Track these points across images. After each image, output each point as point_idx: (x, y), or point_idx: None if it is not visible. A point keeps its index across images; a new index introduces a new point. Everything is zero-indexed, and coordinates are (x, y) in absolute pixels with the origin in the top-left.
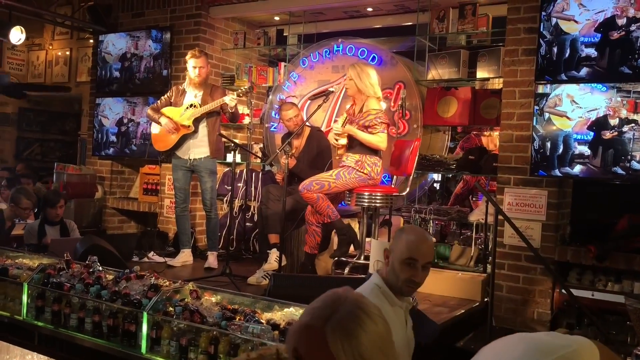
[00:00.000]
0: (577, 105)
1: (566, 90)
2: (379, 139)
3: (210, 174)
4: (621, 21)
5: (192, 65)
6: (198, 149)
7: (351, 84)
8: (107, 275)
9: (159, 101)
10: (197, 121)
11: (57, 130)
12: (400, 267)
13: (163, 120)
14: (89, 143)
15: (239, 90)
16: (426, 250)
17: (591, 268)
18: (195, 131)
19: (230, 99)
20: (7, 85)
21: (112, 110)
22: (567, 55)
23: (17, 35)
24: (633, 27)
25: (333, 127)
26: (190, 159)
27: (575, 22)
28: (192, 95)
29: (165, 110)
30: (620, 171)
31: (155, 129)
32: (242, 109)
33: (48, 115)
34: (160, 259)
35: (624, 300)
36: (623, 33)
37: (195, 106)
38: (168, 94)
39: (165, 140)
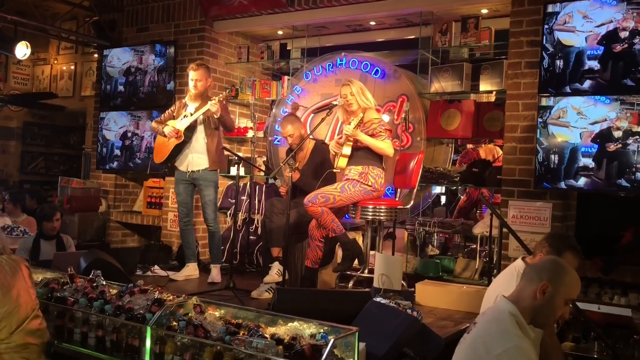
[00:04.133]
0: (581, 118)
1: (571, 102)
2: (386, 145)
3: (210, 187)
4: (624, 34)
5: (190, 78)
6: (196, 160)
7: (354, 100)
8: (111, 290)
9: (163, 115)
10: (190, 131)
11: (61, 144)
12: (561, 305)
13: (167, 129)
14: (93, 157)
15: (220, 95)
16: None
17: (597, 281)
18: (187, 141)
19: (211, 105)
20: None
21: (116, 124)
22: (570, 68)
23: (22, 50)
24: (636, 40)
25: (344, 128)
26: (188, 171)
27: (577, 34)
28: (192, 107)
29: (169, 122)
30: (624, 183)
31: (156, 141)
32: (246, 122)
33: (52, 129)
34: (164, 273)
35: (631, 314)
36: (626, 46)
37: (186, 116)
38: (172, 107)
39: (161, 152)
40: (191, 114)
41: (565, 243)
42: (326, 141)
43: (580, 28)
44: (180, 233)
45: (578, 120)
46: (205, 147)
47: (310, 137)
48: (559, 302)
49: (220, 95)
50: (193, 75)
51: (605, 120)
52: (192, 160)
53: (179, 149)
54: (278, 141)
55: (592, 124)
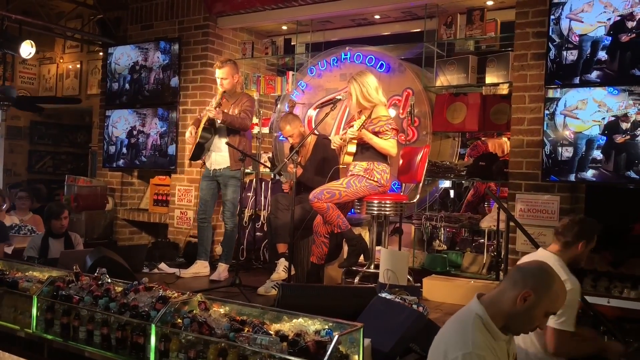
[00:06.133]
0: (599, 109)
1: (593, 94)
2: (390, 144)
3: (230, 186)
4: (631, 23)
5: (216, 76)
6: (218, 159)
7: (353, 99)
8: (116, 288)
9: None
10: (208, 132)
11: (68, 142)
12: (540, 317)
13: (188, 130)
14: (99, 155)
15: (214, 101)
16: None
17: (606, 274)
18: (204, 141)
19: (208, 111)
20: (14, 97)
21: (122, 122)
22: (577, 58)
23: (27, 49)
24: None
25: (348, 131)
26: (212, 169)
27: (590, 24)
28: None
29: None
30: (633, 175)
31: None
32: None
33: (59, 128)
34: (171, 270)
35: None
36: (633, 35)
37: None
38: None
39: (190, 150)
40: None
41: (596, 227)
42: (331, 136)
43: (595, 17)
44: (197, 229)
45: (594, 112)
46: (226, 146)
47: (315, 132)
48: (539, 313)
49: (213, 100)
50: (218, 73)
51: (627, 114)
52: (215, 158)
53: (200, 148)
54: (283, 137)
55: (600, 115)
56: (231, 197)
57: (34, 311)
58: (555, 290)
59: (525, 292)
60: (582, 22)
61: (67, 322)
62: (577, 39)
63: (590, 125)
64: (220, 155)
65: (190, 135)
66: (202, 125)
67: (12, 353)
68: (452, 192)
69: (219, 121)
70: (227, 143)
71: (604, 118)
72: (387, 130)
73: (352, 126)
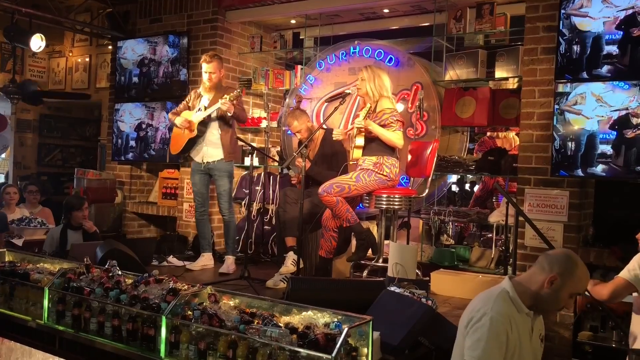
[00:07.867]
0: (600, 104)
1: (591, 88)
2: (396, 136)
3: (225, 177)
4: None
5: (204, 70)
6: (211, 152)
7: (363, 85)
8: (127, 280)
9: (179, 106)
10: (204, 125)
11: (77, 136)
12: (565, 299)
13: (178, 120)
14: (108, 148)
15: (231, 95)
16: None
17: (615, 270)
18: (201, 134)
19: (222, 104)
20: (32, 92)
21: (131, 115)
22: (587, 53)
23: (37, 42)
24: None
25: (355, 122)
26: (204, 162)
27: (593, 19)
28: (206, 99)
29: (183, 113)
30: None
31: (173, 132)
32: (259, 112)
33: (68, 122)
34: (180, 263)
35: None
36: None
37: (200, 109)
38: (187, 98)
39: (176, 144)
40: (205, 108)
41: None
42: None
43: (598, 12)
44: (196, 223)
45: (597, 107)
46: (219, 139)
47: (323, 126)
48: (564, 294)
49: (231, 94)
50: (206, 67)
51: (627, 108)
52: (207, 152)
53: (193, 142)
54: (291, 132)
55: (610, 110)
56: (227, 189)
57: (46, 302)
58: (578, 274)
59: (552, 276)
60: (588, 16)
61: (78, 314)
62: (588, 33)
63: (598, 120)
64: (212, 149)
65: (184, 120)
66: (200, 120)
67: (23, 344)
68: (457, 187)
69: (229, 114)
70: (239, 138)
71: (613, 113)
72: (392, 123)
73: (359, 116)
